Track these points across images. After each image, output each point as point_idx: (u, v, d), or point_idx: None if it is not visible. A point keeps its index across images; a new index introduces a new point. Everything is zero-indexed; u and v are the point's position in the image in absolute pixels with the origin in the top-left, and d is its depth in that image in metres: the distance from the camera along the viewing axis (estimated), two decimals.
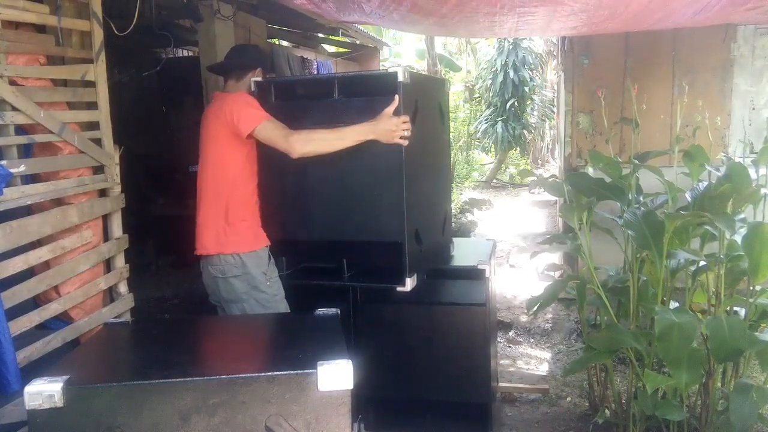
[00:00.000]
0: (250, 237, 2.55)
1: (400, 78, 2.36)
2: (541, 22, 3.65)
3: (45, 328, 2.24)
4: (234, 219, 2.52)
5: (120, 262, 2.59)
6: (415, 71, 2.91)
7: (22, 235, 2.06)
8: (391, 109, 2.37)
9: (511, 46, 11.14)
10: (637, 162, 2.89)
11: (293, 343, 2.07)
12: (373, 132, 2.37)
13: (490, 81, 11.60)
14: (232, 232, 2.51)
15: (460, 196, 10.11)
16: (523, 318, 4.88)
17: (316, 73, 5.92)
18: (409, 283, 2.55)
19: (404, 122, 2.39)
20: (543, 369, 4.04)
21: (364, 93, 2.52)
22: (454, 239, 3.33)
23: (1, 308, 1.89)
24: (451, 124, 14.74)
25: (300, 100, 2.74)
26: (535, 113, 12.69)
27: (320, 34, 6.19)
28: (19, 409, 1.71)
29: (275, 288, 2.59)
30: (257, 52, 2.85)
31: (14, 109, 2.05)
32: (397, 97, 2.37)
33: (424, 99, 2.71)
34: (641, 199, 2.98)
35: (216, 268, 2.53)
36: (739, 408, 2.38)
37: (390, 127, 2.36)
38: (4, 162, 2.01)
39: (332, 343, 1.82)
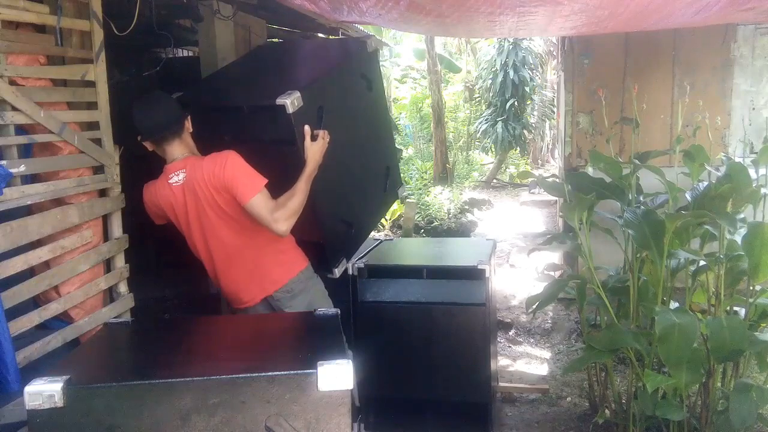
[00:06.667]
0: (300, 254, 2.64)
1: (290, 110, 2.39)
2: (541, 22, 3.65)
3: (45, 328, 2.24)
4: (285, 244, 2.57)
5: (120, 262, 2.59)
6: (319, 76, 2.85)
7: (22, 235, 2.06)
8: (307, 142, 2.45)
9: (511, 46, 11.13)
10: (637, 162, 2.89)
11: (293, 343, 2.07)
12: (311, 168, 2.46)
13: (490, 81, 11.59)
14: (288, 257, 2.59)
15: (460, 196, 10.11)
16: (523, 318, 4.88)
17: None
18: (337, 272, 2.81)
19: (322, 139, 2.49)
20: (543, 369, 4.04)
21: (263, 111, 2.54)
22: (454, 239, 3.36)
23: (1, 308, 1.89)
24: (451, 124, 14.88)
25: (214, 114, 2.73)
26: (535, 113, 12.68)
27: (320, 34, 6.19)
28: (19, 409, 1.70)
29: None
30: (167, 98, 2.53)
31: (14, 109, 2.05)
32: (307, 128, 2.45)
33: (337, 90, 2.77)
34: (641, 198, 2.98)
35: (282, 293, 2.56)
36: (739, 408, 2.38)
37: (317, 156, 2.47)
38: (4, 162, 2.01)
39: (332, 343, 1.82)
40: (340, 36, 4.94)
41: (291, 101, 2.39)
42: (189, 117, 2.50)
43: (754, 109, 4.51)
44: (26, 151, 2.21)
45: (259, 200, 2.34)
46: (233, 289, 2.58)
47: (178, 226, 2.55)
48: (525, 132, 11.78)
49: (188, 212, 2.46)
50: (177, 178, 2.44)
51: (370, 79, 3.05)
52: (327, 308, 2.53)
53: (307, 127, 2.47)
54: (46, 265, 2.24)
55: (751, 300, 2.69)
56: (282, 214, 2.35)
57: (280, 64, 3.26)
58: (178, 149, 2.46)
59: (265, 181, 2.37)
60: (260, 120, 2.57)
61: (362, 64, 3.02)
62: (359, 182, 3.06)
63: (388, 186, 3.24)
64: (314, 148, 2.47)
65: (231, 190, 2.36)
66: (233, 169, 2.35)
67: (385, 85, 15.08)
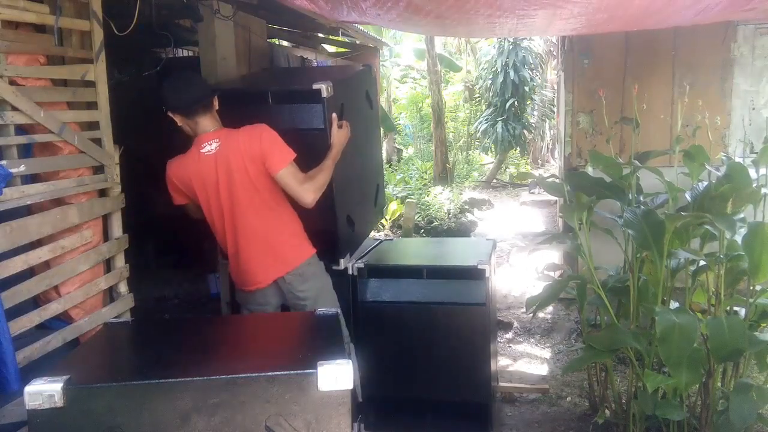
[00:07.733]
0: (309, 242, 2.75)
1: (324, 94, 2.66)
2: (540, 23, 3.65)
3: (45, 328, 2.24)
4: (298, 228, 2.70)
5: (120, 262, 2.59)
6: (338, 74, 3.21)
7: (22, 235, 2.06)
8: (334, 128, 2.69)
9: (511, 46, 11.13)
10: (637, 163, 2.89)
11: (293, 343, 2.07)
12: (337, 150, 2.67)
13: (490, 81, 11.58)
14: (300, 241, 2.71)
15: (460, 196, 10.10)
16: (524, 318, 4.88)
17: None
18: (343, 263, 2.99)
19: (345, 127, 2.73)
20: (543, 369, 4.04)
21: (295, 101, 2.79)
22: (454, 239, 3.40)
23: (1, 308, 1.89)
24: (451, 124, 14.87)
25: (240, 105, 2.83)
26: (535, 113, 12.68)
27: (320, 34, 6.19)
28: (19, 409, 1.71)
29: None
30: (197, 75, 2.69)
31: (14, 109, 2.05)
32: (334, 115, 2.70)
33: (350, 97, 3.04)
34: (641, 198, 2.98)
35: (294, 276, 2.65)
36: (739, 408, 2.38)
37: (342, 140, 2.71)
38: (4, 162, 2.01)
39: (332, 343, 1.82)
40: (340, 35, 4.99)
41: (325, 87, 2.66)
42: (216, 96, 2.60)
43: (754, 109, 4.51)
44: (26, 151, 2.21)
45: (289, 170, 2.49)
46: (250, 266, 2.63)
47: (203, 199, 2.59)
48: (525, 132, 11.78)
49: (219, 181, 2.53)
50: (210, 147, 2.53)
51: (372, 100, 3.36)
52: (333, 302, 2.70)
53: (334, 115, 2.70)
54: (46, 265, 2.24)
55: (751, 300, 2.69)
56: (311, 185, 2.51)
57: (295, 74, 3.55)
58: (209, 122, 2.56)
59: (295, 154, 2.50)
60: (288, 108, 2.78)
61: (367, 85, 3.34)
62: (360, 188, 3.26)
63: (377, 202, 3.51)
64: (340, 134, 2.71)
65: (265, 160, 2.48)
66: (269, 140, 2.50)
67: (384, 85, 15.02)
